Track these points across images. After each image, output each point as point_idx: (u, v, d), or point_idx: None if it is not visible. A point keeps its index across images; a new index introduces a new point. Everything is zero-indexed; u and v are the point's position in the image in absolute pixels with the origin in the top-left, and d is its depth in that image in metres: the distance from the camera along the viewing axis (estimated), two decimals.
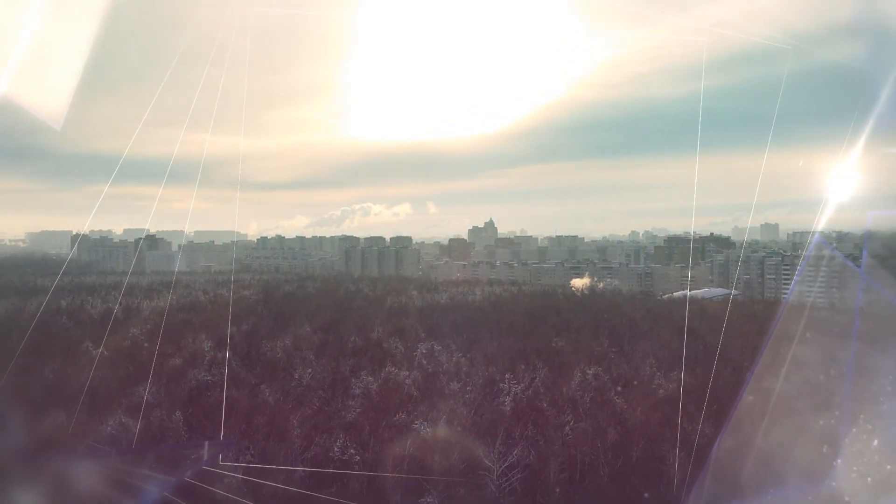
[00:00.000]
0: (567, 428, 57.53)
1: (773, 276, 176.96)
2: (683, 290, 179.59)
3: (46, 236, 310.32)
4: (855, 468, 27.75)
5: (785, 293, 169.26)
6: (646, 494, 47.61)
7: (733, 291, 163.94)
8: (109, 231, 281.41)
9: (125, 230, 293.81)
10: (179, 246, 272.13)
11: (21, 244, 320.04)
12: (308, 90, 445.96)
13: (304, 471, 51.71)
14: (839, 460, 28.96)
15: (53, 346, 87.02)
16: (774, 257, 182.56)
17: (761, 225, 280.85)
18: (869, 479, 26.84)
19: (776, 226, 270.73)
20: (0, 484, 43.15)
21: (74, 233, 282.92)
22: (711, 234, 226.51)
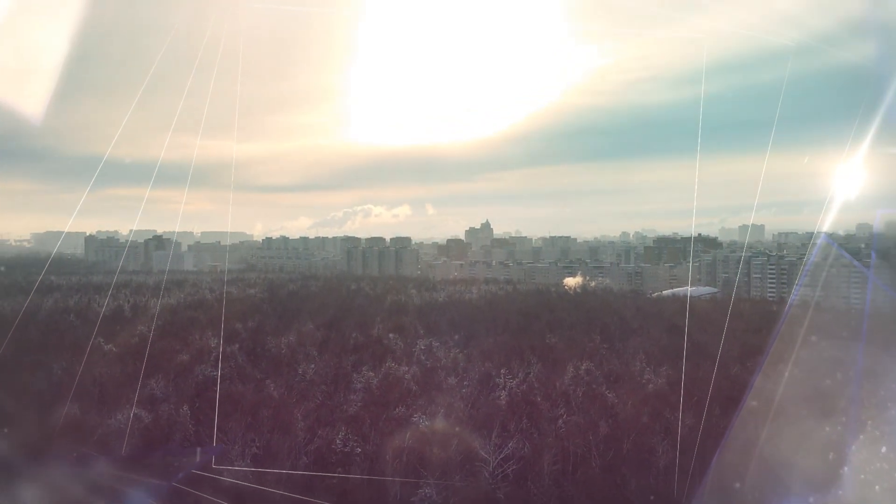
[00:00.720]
0: (560, 421, 57.77)
1: (759, 276, 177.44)
2: (671, 288, 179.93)
3: (52, 236, 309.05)
4: (862, 475, 26.49)
5: (770, 292, 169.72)
6: (652, 496, 47.32)
7: (734, 292, 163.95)
8: (115, 231, 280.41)
9: (132, 231, 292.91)
10: (189, 247, 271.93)
11: (26, 244, 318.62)
12: (310, 96, 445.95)
13: (307, 461, 51.94)
14: (846, 467, 27.75)
15: (60, 342, 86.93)
16: (760, 257, 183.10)
17: (744, 226, 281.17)
18: (877, 487, 25.54)
19: (762, 227, 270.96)
20: (6, 475, 43.11)
21: (80, 233, 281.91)
22: (699, 234, 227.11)
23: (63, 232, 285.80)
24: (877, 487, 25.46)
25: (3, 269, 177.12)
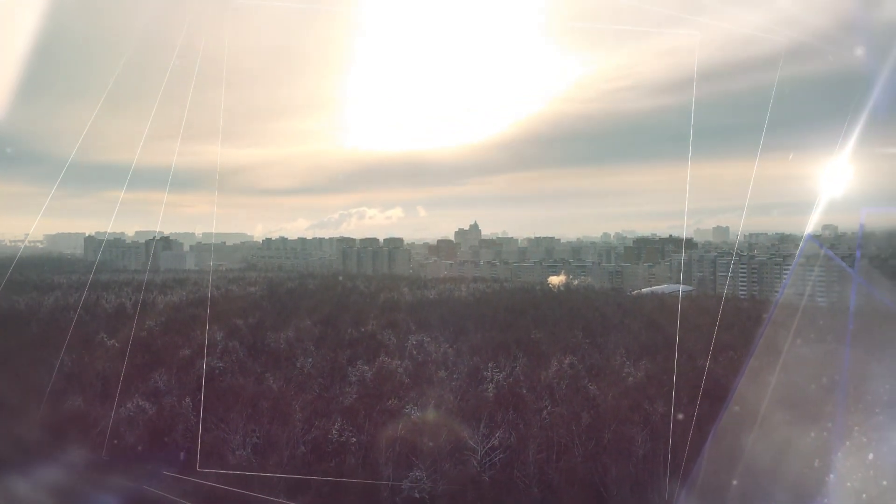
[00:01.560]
0: (544, 412, 57.94)
1: (733, 275, 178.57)
2: (650, 286, 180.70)
3: (63, 238, 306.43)
4: (848, 483, 25.17)
5: (742, 290, 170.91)
6: (630, 483, 47.02)
7: (727, 290, 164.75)
8: (122, 233, 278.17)
9: (137, 232, 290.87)
10: (190, 247, 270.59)
11: (39, 245, 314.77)
12: (308, 104, 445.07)
13: (305, 450, 51.87)
14: (832, 475, 26.29)
15: (70, 337, 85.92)
16: (732, 257, 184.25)
17: (718, 227, 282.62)
18: (864, 495, 24.20)
19: (735, 228, 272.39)
20: (14, 461, 42.45)
21: (88, 234, 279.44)
22: (670, 235, 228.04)
23: (83, 234, 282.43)
24: (864, 496, 24.28)
25: None
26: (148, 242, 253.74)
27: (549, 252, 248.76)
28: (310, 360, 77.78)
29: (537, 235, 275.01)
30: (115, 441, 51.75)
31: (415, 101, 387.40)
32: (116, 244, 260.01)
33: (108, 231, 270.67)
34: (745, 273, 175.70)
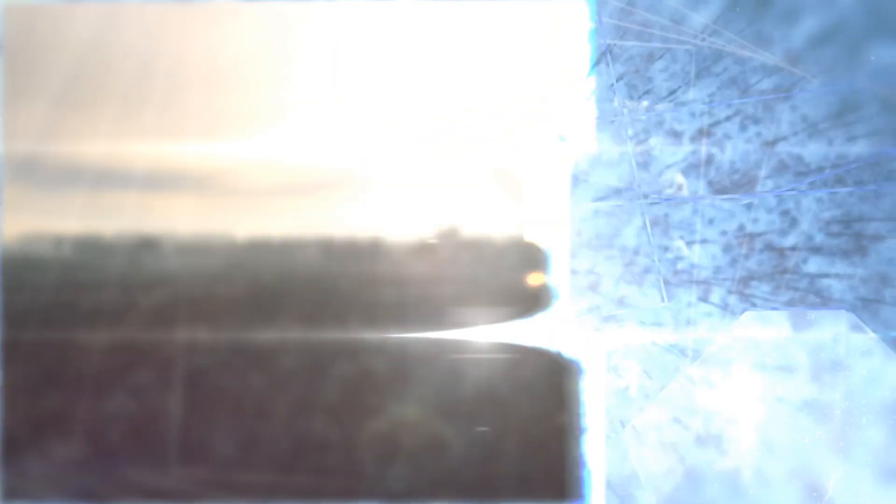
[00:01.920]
0: (525, 408, 59.22)
1: None
2: None
3: (38, 238, 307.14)
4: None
5: None
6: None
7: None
8: (102, 233, 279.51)
9: (119, 232, 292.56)
10: (180, 247, 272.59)
11: (13, 245, 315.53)
12: (302, 105, 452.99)
13: (286, 448, 52.52)
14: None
15: (45, 338, 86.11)
16: None
17: None
18: (854, 497, 24.24)
19: None
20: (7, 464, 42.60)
21: (66, 234, 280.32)
22: None
23: (67, 234, 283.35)
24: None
25: None
26: (130, 243, 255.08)
27: (528, 251, 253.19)
28: (293, 358, 78.59)
29: (518, 234, 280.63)
30: (93, 442, 51.91)
31: (412, 100, 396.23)
32: (97, 245, 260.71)
33: (88, 231, 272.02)
34: None
